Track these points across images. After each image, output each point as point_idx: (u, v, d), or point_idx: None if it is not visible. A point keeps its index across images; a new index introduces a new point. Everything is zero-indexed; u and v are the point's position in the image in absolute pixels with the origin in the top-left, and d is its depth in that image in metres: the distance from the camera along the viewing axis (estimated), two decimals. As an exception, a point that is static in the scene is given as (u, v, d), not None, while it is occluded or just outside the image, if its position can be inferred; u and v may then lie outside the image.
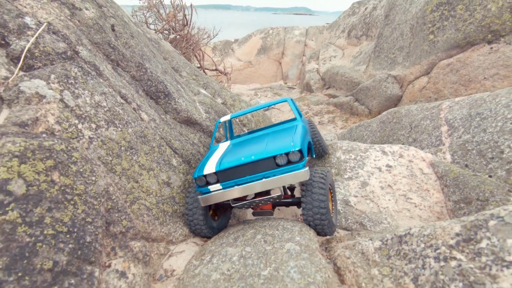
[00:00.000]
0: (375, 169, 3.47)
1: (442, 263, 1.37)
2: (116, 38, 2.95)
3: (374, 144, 3.95)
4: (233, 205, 2.61)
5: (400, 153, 3.56)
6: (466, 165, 3.19)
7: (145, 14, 9.01)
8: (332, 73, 10.38)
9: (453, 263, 1.33)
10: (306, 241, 2.08)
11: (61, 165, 1.69)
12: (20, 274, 1.29)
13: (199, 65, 9.56)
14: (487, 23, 5.07)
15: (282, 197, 2.52)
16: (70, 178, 1.70)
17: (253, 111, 3.48)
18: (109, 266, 1.76)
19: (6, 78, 1.89)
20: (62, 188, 1.63)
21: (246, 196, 2.89)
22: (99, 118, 2.23)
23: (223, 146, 3.08)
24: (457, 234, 1.41)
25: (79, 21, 2.63)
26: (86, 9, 2.73)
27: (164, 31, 9.09)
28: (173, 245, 2.50)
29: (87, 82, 2.27)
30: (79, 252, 1.54)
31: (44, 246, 1.41)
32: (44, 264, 1.38)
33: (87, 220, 1.67)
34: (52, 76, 2.05)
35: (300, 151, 2.29)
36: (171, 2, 9.14)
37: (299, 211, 3.71)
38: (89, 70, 2.38)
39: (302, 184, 2.46)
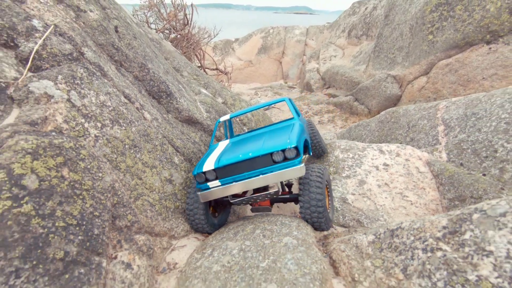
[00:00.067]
0: (372, 167, 3.55)
1: (429, 254, 1.46)
2: (119, 39, 3.04)
3: (372, 143, 4.02)
4: (232, 201, 2.68)
5: (397, 152, 3.63)
6: (461, 164, 3.26)
7: (146, 13, 9.08)
8: (332, 73, 10.44)
9: (439, 254, 1.41)
10: (303, 236, 2.17)
11: (70, 161, 1.78)
12: (34, 262, 1.38)
13: (199, 65, 9.63)
14: (486, 24, 5.12)
15: (280, 193, 2.60)
16: (78, 174, 1.79)
17: (251, 110, 3.56)
18: (116, 257, 1.85)
19: (16, 78, 1.98)
20: (72, 183, 1.72)
21: (245, 193, 2.98)
22: (104, 117, 2.32)
23: (223, 144, 3.17)
24: (444, 227, 1.49)
25: (84, 23, 2.72)
26: (91, 11, 2.81)
27: (165, 31, 9.16)
28: (175, 240, 2.59)
29: (92, 83, 2.36)
30: (88, 243, 1.63)
31: (56, 237, 1.50)
32: (56, 254, 1.47)
33: (95, 213, 1.76)
34: (60, 76, 2.13)
35: (296, 148, 2.36)
36: (171, 1, 9.20)
37: (297, 208, 3.79)
38: (94, 70, 2.46)
39: (300, 182, 2.54)
